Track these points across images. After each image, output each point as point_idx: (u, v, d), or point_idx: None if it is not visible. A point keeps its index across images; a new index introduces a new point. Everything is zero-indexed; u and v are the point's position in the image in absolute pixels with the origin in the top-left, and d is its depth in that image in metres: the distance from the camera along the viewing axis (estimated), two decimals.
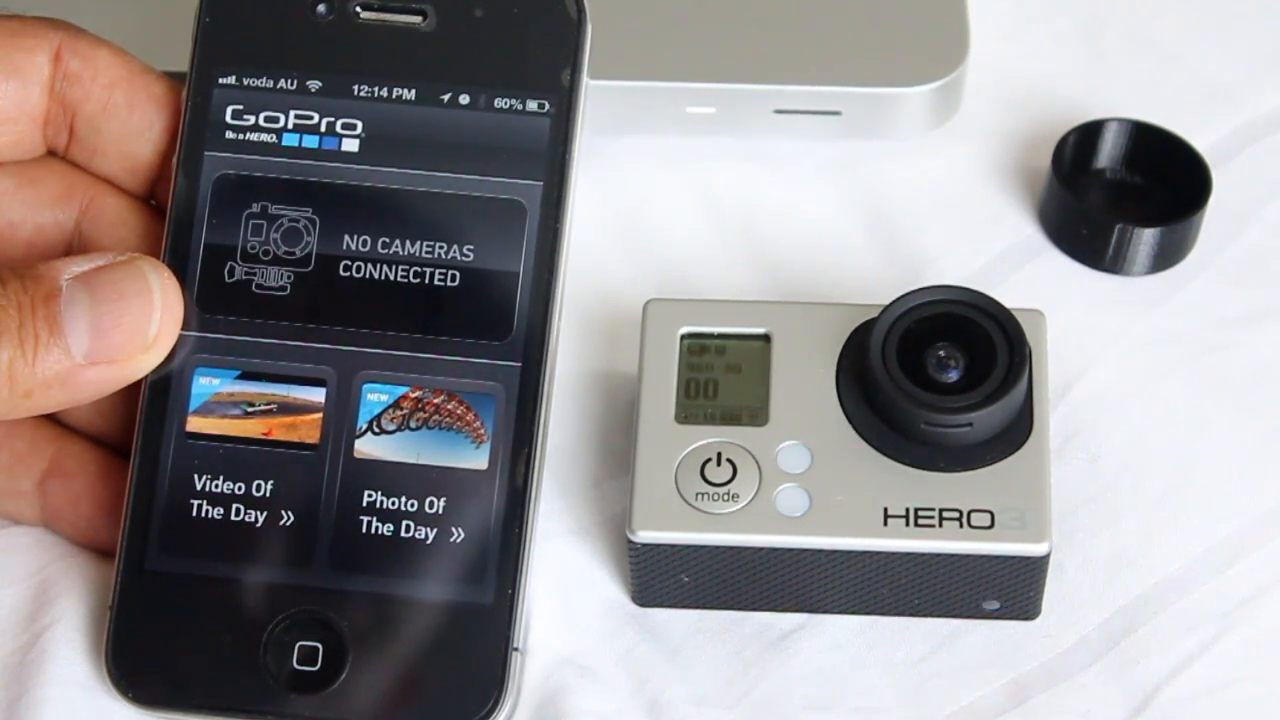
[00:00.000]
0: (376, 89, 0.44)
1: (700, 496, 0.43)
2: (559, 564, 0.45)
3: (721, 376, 0.45)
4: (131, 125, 0.45)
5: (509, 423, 0.42)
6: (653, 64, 0.51)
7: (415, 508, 0.42)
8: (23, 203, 0.45)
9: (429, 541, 0.42)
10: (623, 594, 0.45)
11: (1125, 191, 0.52)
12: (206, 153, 0.44)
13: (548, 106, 0.44)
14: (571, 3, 0.44)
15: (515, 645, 0.42)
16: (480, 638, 0.42)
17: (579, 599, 0.45)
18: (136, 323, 0.42)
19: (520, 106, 0.44)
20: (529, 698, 0.44)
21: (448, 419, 0.43)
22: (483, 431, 0.43)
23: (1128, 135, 0.51)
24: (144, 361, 0.42)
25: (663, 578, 0.44)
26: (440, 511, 0.42)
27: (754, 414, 0.44)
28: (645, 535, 0.43)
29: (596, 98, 0.45)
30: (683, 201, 0.52)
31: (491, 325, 0.43)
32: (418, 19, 0.45)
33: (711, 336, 0.45)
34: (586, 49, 0.44)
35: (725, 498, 0.43)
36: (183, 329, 0.43)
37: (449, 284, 0.43)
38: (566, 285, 0.44)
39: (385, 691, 0.41)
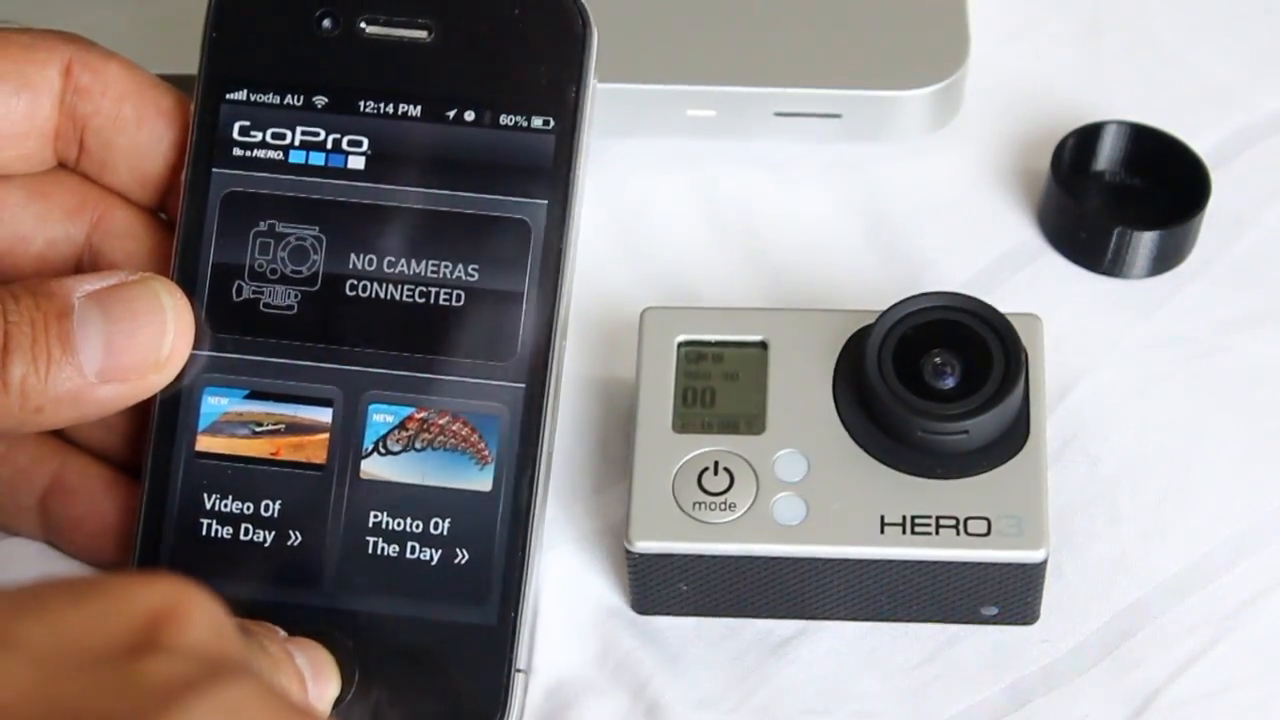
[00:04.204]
0: (382, 105, 0.45)
1: (697, 506, 0.44)
2: (558, 572, 0.46)
3: (719, 384, 0.45)
4: (141, 139, 0.45)
5: (512, 444, 0.43)
6: (653, 67, 0.51)
7: (420, 529, 0.43)
8: (33, 216, 0.45)
9: (433, 563, 0.43)
10: (622, 601, 0.46)
11: (1124, 194, 0.52)
12: (214, 170, 0.44)
13: (553, 123, 0.44)
14: (577, 17, 0.44)
15: (518, 666, 0.42)
16: (483, 659, 0.42)
17: (578, 606, 0.46)
18: (149, 342, 0.42)
19: (525, 123, 0.44)
20: (529, 702, 0.44)
21: (452, 440, 0.43)
22: (487, 453, 0.43)
23: (1127, 138, 0.51)
24: (155, 380, 0.43)
25: (661, 586, 0.45)
26: (445, 533, 0.43)
27: (751, 422, 0.45)
28: (643, 545, 0.44)
29: (597, 101, 0.45)
30: (682, 205, 0.52)
31: (495, 346, 0.43)
32: (423, 34, 0.45)
33: (709, 344, 0.46)
34: (592, 64, 0.44)
35: (722, 507, 0.44)
36: (193, 348, 0.43)
37: (454, 304, 0.43)
38: (572, 302, 0.44)
39: (389, 712, 0.42)
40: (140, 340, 0.42)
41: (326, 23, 0.45)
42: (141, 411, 0.44)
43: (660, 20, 0.52)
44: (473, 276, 0.43)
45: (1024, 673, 0.45)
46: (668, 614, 0.46)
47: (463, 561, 0.43)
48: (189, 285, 0.44)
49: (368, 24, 0.45)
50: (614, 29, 0.46)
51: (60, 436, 0.46)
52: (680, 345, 0.46)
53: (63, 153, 0.46)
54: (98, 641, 0.31)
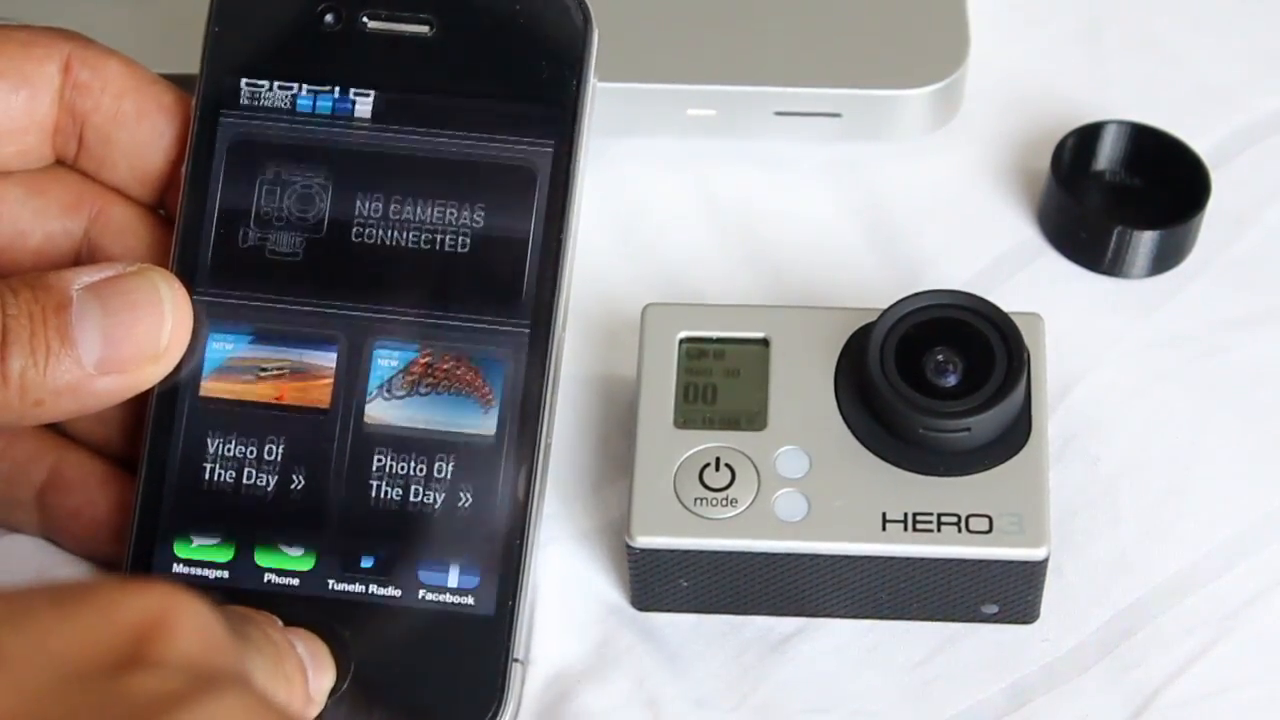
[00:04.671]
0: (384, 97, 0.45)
1: (699, 502, 0.44)
2: (558, 568, 0.46)
3: (720, 381, 0.45)
4: (140, 135, 0.45)
5: (517, 388, 0.43)
6: (653, 66, 0.52)
7: (424, 472, 0.43)
8: (32, 212, 0.45)
9: (437, 506, 0.43)
10: (622, 598, 0.46)
11: (1124, 194, 0.52)
12: (222, 118, 0.44)
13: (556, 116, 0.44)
14: (577, 10, 0.45)
15: (516, 656, 0.42)
16: (480, 648, 0.42)
17: (578, 602, 0.46)
18: (148, 333, 0.42)
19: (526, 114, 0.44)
20: (528, 700, 0.44)
21: (456, 384, 0.43)
22: (491, 396, 0.43)
23: (1127, 137, 0.51)
24: (154, 372, 0.43)
25: (662, 582, 0.45)
26: (448, 476, 0.43)
27: (752, 419, 0.45)
28: (644, 541, 0.44)
29: (597, 100, 0.45)
30: (682, 204, 0.52)
31: (501, 290, 0.43)
32: (424, 28, 0.45)
33: (710, 341, 0.46)
34: (592, 59, 0.44)
35: (724, 503, 0.44)
36: (198, 292, 0.44)
37: (459, 249, 0.44)
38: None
39: (385, 702, 0.42)
40: (138, 332, 0.42)
41: (329, 18, 0.45)
42: (138, 406, 0.44)
43: (660, 20, 0.52)
44: (478, 222, 0.44)
45: (1024, 672, 0.45)
46: (667, 610, 0.45)
47: (466, 505, 0.43)
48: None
49: (370, 19, 0.45)
50: (614, 28, 0.46)
51: (57, 431, 0.46)
52: (681, 342, 0.46)
53: (61, 149, 0.46)
54: (84, 656, 0.31)
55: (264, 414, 0.43)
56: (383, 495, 0.43)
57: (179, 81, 0.46)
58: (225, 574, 0.43)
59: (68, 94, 0.45)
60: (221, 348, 0.44)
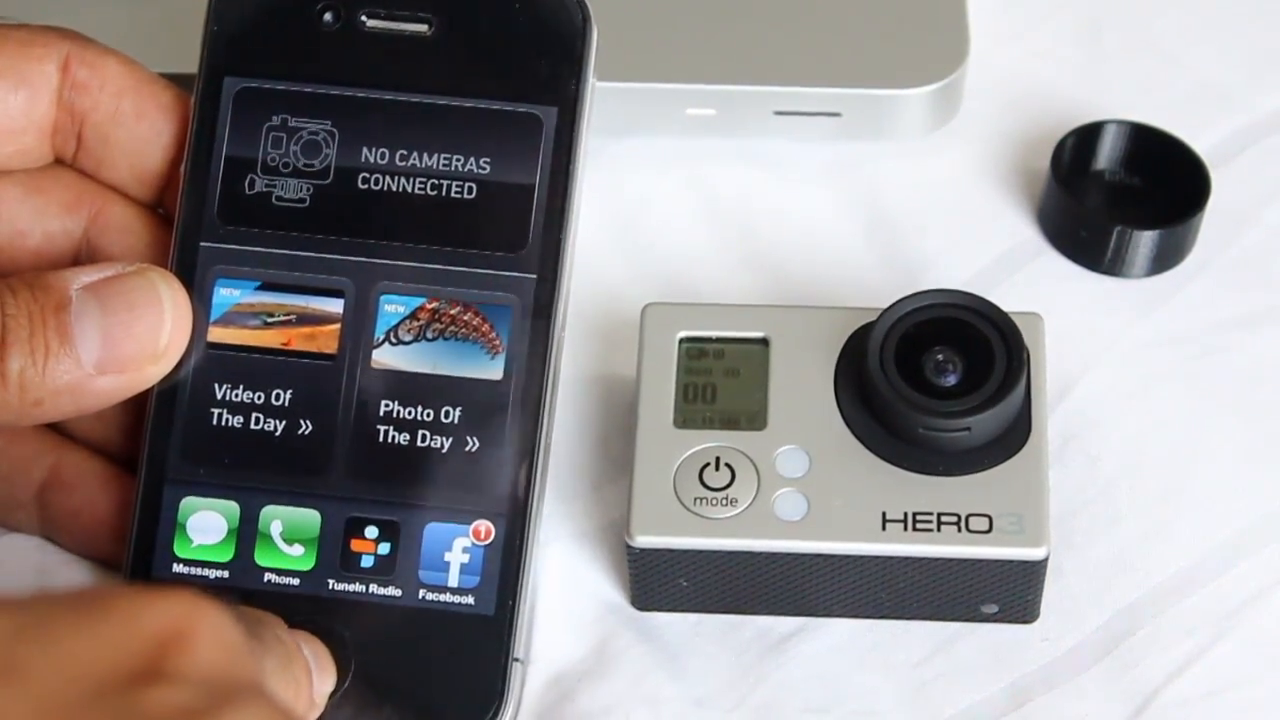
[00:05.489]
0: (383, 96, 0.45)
1: (699, 501, 0.44)
2: (558, 568, 0.46)
3: (720, 381, 0.45)
4: (139, 134, 0.45)
5: (524, 333, 0.43)
6: (653, 65, 0.52)
7: (431, 417, 0.43)
8: (31, 211, 0.46)
9: (444, 451, 0.43)
10: (622, 598, 0.46)
11: (1124, 193, 0.52)
12: (226, 78, 0.45)
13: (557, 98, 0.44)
14: (576, 10, 0.45)
15: (516, 656, 0.42)
16: (481, 649, 0.42)
17: (578, 602, 0.46)
18: (147, 333, 0.42)
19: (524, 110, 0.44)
20: (528, 700, 0.44)
21: (463, 330, 0.43)
22: (498, 342, 0.43)
23: (1127, 137, 0.51)
24: (153, 372, 0.43)
25: (662, 582, 0.45)
26: (455, 421, 0.43)
27: (752, 418, 0.45)
28: (644, 541, 0.44)
29: (596, 99, 0.46)
30: (682, 203, 0.52)
31: (507, 237, 0.44)
32: (423, 27, 0.45)
33: (710, 341, 0.46)
34: (592, 56, 0.45)
35: (723, 502, 0.44)
36: (205, 239, 0.44)
37: (465, 196, 0.44)
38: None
39: (385, 702, 0.42)
40: (137, 331, 0.42)
41: (327, 17, 0.45)
42: (138, 405, 0.44)
43: (660, 19, 0.52)
44: (484, 169, 0.44)
45: (1024, 671, 0.45)
46: (667, 610, 0.45)
47: (473, 450, 0.43)
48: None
49: (368, 18, 0.45)
50: (614, 28, 0.46)
51: (57, 430, 0.46)
52: (681, 341, 0.46)
53: (60, 148, 0.46)
54: (102, 669, 0.31)
55: (271, 360, 0.43)
56: (390, 440, 0.43)
57: (178, 81, 0.46)
58: (225, 574, 0.43)
59: (66, 93, 0.45)
60: (228, 294, 0.44)
